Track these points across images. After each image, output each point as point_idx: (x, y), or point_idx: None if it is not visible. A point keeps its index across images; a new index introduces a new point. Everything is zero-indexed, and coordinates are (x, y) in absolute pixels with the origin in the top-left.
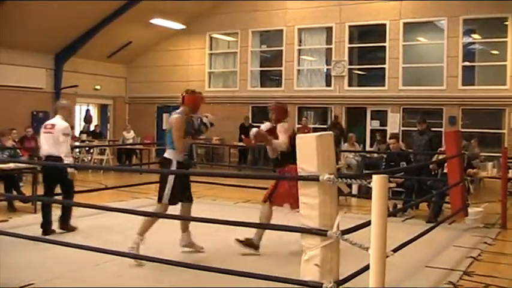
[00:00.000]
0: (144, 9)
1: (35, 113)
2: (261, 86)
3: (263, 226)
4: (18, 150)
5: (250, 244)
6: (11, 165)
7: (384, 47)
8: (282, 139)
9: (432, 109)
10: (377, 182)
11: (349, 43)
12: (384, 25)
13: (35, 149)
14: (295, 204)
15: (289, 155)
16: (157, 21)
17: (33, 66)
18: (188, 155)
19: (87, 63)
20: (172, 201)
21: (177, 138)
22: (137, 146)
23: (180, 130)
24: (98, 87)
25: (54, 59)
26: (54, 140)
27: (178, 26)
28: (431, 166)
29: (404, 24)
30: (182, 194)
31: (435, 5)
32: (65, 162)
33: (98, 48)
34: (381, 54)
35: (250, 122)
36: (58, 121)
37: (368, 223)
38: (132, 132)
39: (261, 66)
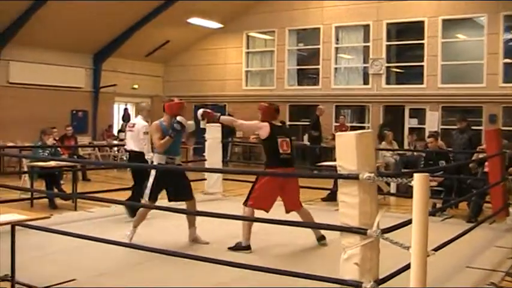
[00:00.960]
0: (181, 9)
1: (74, 112)
2: (298, 85)
3: (305, 225)
4: (58, 149)
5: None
6: (52, 163)
7: (422, 44)
8: (243, 123)
9: (472, 107)
10: (418, 181)
11: (387, 41)
12: (422, 22)
13: (75, 147)
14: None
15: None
16: (194, 20)
17: (73, 66)
18: (172, 158)
19: (125, 63)
20: (152, 198)
21: (155, 141)
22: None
23: (156, 133)
24: (135, 86)
25: (93, 58)
26: (135, 137)
27: (215, 25)
28: (471, 165)
29: (443, 21)
30: (161, 191)
31: (474, 1)
32: (147, 157)
33: (136, 47)
34: (419, 52)
35: (286, 121)
36: (138, 121)
37: (409, 222)
38: None
39: (298, 65)
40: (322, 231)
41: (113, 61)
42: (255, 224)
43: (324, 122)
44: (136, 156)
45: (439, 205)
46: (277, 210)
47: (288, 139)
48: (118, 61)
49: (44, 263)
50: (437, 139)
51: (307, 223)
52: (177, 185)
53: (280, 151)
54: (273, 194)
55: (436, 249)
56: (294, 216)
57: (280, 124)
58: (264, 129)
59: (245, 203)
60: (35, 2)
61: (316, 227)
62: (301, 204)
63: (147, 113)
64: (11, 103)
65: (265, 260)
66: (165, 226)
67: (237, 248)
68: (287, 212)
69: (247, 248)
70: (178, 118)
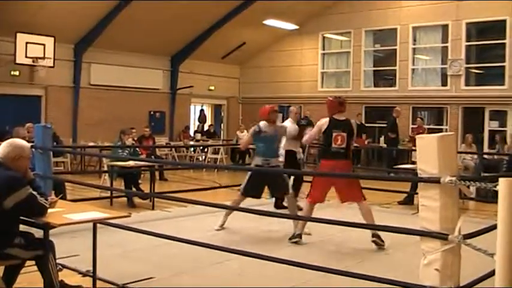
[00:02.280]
0: (257, 11)
1: (152, 112)
2: (375, 86)
3: (387, 229)
4: (137, 149)
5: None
6: (131, 163)
7: (504, 44)
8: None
9: None
10: (504, 185)
11: (467, 41)
12: (504, 21)
13: (153, 147)
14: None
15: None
16: (270, 22)
17: (151, 68)
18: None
19: (201, 65)
20: (247, 194)
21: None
22: (250, 146)
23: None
24: (212, 87)
25: (170, 60)
26: (286, 138)
27: (291, 26)
28: None
29: None
30: (256, 190)
31: None
32: (298, 157)
33: (212, 49)
34: (500, 52)
35: (362, 121)
36: (288, 123)
37: (493, 227)
38: (245, 132)
39: (374, 66)
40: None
41: (190, 63)
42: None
43: (401, 124)
44: (290, 156)
45: None
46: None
47: (344, 134)
48: (195, 63)
49: (123, 260)
50: None
51: (385, 227)
52: (275, 183)
53: (333, 145)
54: (324, 187)
55: None
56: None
57: (342, 119)
58: (324, 125)
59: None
60: (115, 7)
61: (395, 231)
62: (363, 197)
63: (294, 116)
64: (92, 104)
65: (338, 262)
66: (239, 225)
67: (292, 237)
68: (342, 202)
69: (299, 236)
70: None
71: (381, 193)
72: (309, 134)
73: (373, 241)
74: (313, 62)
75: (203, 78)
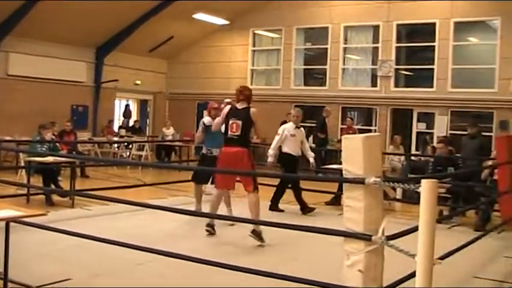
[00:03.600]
0: (187, 4)
1: (74, 106)
2: (305, 85)
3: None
4: (57, 144)
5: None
6: (50, 158)
7: (433, 46)
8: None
9: (482, 112)
10: (426, 187)
11: (397, 42)
12: (434, 24)
13: (74, 143)
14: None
15: None
16: (200, 16)
17: (74, 60)
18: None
19: (128, 58)
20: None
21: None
22: (176, 143)
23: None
24: (138, 82)
25: (95, 52)
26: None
27: (221, 21)
28: (483, 173)
29: (455, 23)
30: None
31: (488, 4)
32: (310, 159)
33: (139, 42)
34: (429, 55)
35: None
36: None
37: (415, 229)
38: (171, 128)
39: (305, 64)
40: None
41: (116, 55)
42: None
43: (330, 124)
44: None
45: (446, 212)
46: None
47: (239, 121)
48: (120, 56)
49: (38, 261)
50: (447, 144)
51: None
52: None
53: (229, 132)
54: (228, 174)
55: (442, 258)
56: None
57: (242, 107)
58: (225, 113)
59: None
60: None
61: (319, 231)
62: (255, 189)
63: (295, 119)
64: (10, 96)
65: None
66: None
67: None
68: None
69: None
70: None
71: (309, 193)
72: (215, 120)
73: (251, 235)
74: (243, 58)
75: (129, 72)
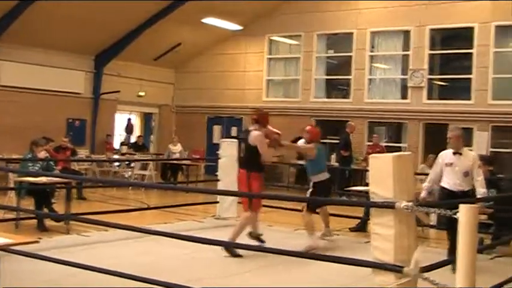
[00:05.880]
0: (195, 8)
1: (70, 120)
2: (327, 97)
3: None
4: (52, 163)
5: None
6: (43, 178)
7: (471, 54)
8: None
9: None
10: (465, 213)
11: (430, 49)
12: (472, 29)
13: (70, 161)
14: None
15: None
16: (210, 20)
17: (71, 69)
18: None
19: (130, 67)
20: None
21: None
22: (184, 161)
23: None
24: (142, 93)
25: (94, 60)
26: None
27: (234, 26)
28: None
29: (497, 27)
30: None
31: None
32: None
33: (144, 50)
34: (467, 63)
35: None
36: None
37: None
38: (179, 145)
39: (326, 74)
40: None
41: (117, 64)
42: None
43: (355, 141)
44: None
45: (487, 241)
46: None
47: (243, 144)
48: (123, 64)
49: None
50: (488, 164)
51: (333, 257)
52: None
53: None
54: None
55: None
56: None
57: (249, 129)
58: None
59: None
60: None
61: (344, 262)
62: (250, 209)
63: (308, 136)
64: (1, 108)
65: None
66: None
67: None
68: None
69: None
70: None
71: (331, 218)
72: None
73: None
74: (258, 67)
75: (132, 83)
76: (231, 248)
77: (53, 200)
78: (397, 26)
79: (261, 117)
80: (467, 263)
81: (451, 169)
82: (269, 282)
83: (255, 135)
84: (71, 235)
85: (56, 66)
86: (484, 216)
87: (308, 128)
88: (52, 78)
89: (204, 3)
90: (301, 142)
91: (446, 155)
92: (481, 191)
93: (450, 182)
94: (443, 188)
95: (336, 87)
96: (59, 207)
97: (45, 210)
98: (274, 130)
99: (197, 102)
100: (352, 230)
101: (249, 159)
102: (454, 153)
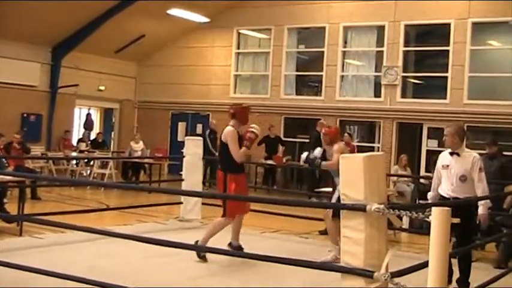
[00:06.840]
0: None
1: (25, 115)
2: (297, 94)
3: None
4: (3, 160)
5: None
6: None
7: (447, 51)
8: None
9: (504, 128)
10: (438, 216)
11: (405, 46)
12: (448, 25)
13: (24, 158)
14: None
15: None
16: (175, 12)
17: (26, 60)
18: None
19: (90, 59)
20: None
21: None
22: (146, 160)
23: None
24: (102, 87)
25: (51, 52)
26: None
27: (201, 18)
28: (507, 201)
29: (474, 24)
30: None
31: None
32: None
33: (104, 41)
34: (442, 60)
35: (280, 134)
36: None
37: (425, 264)
38: (141, 143)
39: (297, 70)
40: None
41: (76, 56)
42: None
43: None
44: None
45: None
46: None
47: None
48: (82, 57)
49: None
50: None
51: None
52: None
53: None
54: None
55: None
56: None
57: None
58: None
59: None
60: None
61: (311, 266)
62: (225, 214)
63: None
64: None
65: None
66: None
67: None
68: None
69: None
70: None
71: (300, 221)
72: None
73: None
74: (225, 62)
75: (92, 76)
76: (197, 251)
77: (4, 200)
78: (371, 21)
79: (239, 112)
80: (439, 267)
81: (447, 172)
82: (238, 282)
83: (226, 131)
84: (24, 237)
85: (10, 57)
86: (457, 220)
87: (324, 130)
88: (5, 69)
89: None
90: (318, 150)
91: (443, 157)
92: (481, 202)
93: (444, 187)
94: (439, 194)
95: (307, 84)
96: (11, 208)
97: None
98: (252, 128)
99: (161, 98)
100: (322, 233)
101: (224, 158)
102: (451, 154)
